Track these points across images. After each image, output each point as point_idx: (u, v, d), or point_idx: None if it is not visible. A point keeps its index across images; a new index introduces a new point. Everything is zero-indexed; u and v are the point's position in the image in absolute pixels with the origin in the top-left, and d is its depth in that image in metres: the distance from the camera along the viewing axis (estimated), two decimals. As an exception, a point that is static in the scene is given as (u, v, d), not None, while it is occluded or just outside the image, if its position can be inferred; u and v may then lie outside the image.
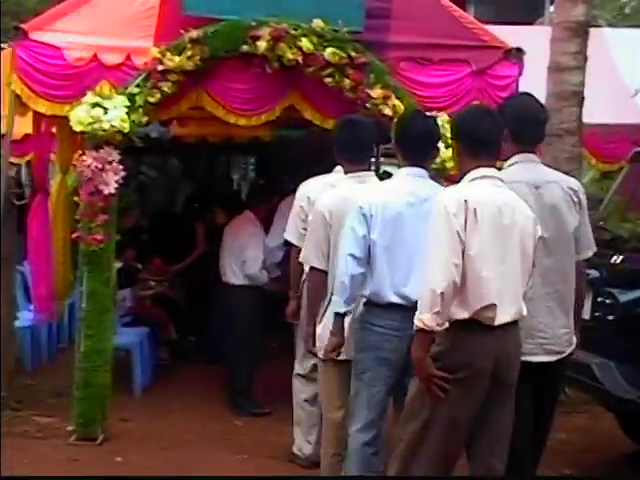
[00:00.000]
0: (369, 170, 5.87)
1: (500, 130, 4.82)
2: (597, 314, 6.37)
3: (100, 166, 6.78)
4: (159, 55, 6.88)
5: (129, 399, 8.31)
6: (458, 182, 4.74)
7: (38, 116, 7.45)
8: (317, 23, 6.93)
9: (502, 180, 4.71)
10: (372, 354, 5.13)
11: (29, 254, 8.11)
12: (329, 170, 6.22)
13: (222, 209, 9.78)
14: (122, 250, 8.06)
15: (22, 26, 7.14)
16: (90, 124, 6.74)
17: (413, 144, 5.24)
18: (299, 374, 6.78)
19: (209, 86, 7.15)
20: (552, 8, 10.24)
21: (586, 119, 7.84)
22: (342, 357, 5.33)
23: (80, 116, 6.77)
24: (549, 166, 5.45)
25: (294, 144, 10.69)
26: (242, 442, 7.30)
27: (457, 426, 4.57)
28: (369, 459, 5.20)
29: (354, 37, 6.99)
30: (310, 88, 7.17)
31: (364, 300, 5.21)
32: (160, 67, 6.87)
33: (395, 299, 5.07)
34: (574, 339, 5.17)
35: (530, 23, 13.75)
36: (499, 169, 5.07)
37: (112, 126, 6.73)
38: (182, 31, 6.91)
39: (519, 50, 7.27)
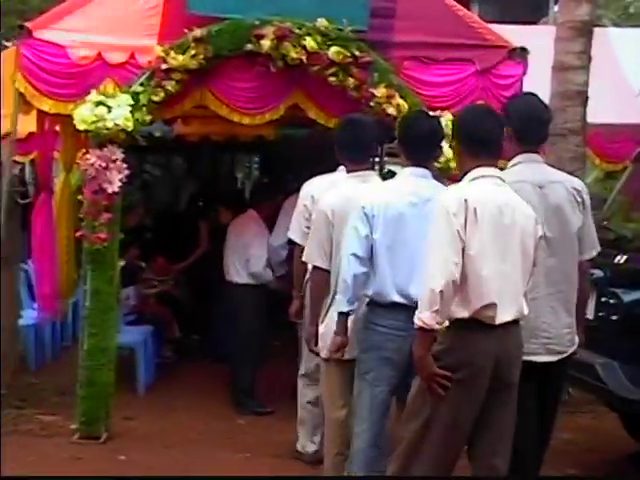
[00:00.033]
0: (371, 169, 5.87)
1: (501, 130, 4.82)
2: (601, 314, 6.37)
3: (104, 165, 6.78)
4: (163, 54, 6.88)
5: (133, 397, 8.31)
6: (459, 181, 4.74)
7: (42, 114, 7.45)
8: (321, 22, 6.93)
9: (503, 179, 4.71)
10: (375, 354, 5.13)
11: (33, 252, 8.12)
12: (333, 169, 6.22)
13: (226, 208, 9.78)
14: (126, 249, 8.06)
15: (26, 24, 7.15)
16: (94, 122, 6.75)
17: (416, 144, 5.24)
18: (303, 374, 6.78)
19: (213, 85, 7.15)
20: (556, 7, 10.21)
21: (590, 119, 7.83)
22: (345, 357, 5.33)
23: (84, 115, 6.77)
24: (552, 166, 5.44)
25: (298, 143, 10.69)
26: (245, 441, 7.29)
27: (458, 425, 4.57)
28: (374, 459, 5.19)
29: (358, 36, 6.99)
30: (314, 87, 7.17)
31: (367, 300, 5.21)
32: (164, 66, 6.87)
33: (398, 299, 5.07)
34: (576, 339, 5.17)
35: (534, 22, 13.75)
36: (502, 169, 5.08)
37: (116, 125, 6.74)
38: (186, 30, 6.91)
39: (523, 49, 7.26)
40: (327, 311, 5.48)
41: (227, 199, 10.51)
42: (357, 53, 6.93)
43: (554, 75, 7.77)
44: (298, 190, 6.54)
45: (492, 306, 4.48)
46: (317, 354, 5.65)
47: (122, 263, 7.58)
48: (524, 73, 7.24)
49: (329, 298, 5.47)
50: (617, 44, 10.50)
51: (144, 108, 6.89)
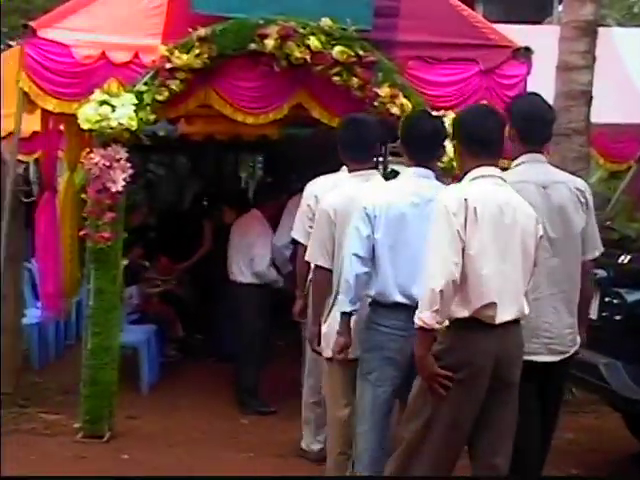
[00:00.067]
0: (374, 169, 5.87)
1: (501, 129, 4.82)
2: (604, 314, 6.36)
3: (108, 164, 6.79)
4: (167, 53, 6.88)
5: (136, 397, 8.32)
6: (460, 181, 4.75)
7: (46, 114, 7.45)
8: (325, 22, 6.93)
9: (504, 179, 4.71)
10: (378, 354, 5.13)
11: (37, 251, 8.12)
12: (337, 169, 6.21)
13: (230, 207, 9.78)
14: (129, 248, 8.07)
15: (30, 24, 7.15)
16: (98, 122, 6.75)
17: (419, 144, 5.23)
18: (307, 374, 6.76)
19: (217, 84, 7.15)
20: (561, 7, 10.22)
21: (594, 118, 7.82)
22: (349, 356, 5.33)
23: (88, 114, 6.77)
24: (556, 166, 5.44)
25: (302, 142, 10.69)
26: (249, 440, 7.30)
27: (458, 425, 4.57)
28: (378, 460, 5.17)
29: (362, 36, 6.99)
30: (318, 86, 7.17)
31: (369, 300, 5.21)
32: (168, 65, 6.87)
33: (400, 299, 5.06)
34: (578, 339, 5.18)
35: (538, 22, 13.72)
36: (506, 169, 5.08)
37: (120, 124, 6.74)
38: (190, 29, 6.91)
39: (527, 49, 7.26)
40: (330, 311, 5.48)
41: (231, 198, 10.51)
42: (361, 53, 6.93)
43: (558, 75, 7.76)
44: (302, 190, 6.54)
45: (492, 305, 4.48)
46: (320, 354, 5.65)
47: (125, 262, 7.58)
48: (528, 73, 7.23)
49: (331, 298, 5.47)
50: (621, 44, 10.48)
51: (148, 107, 6.89)
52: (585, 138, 7.76)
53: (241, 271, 8.37)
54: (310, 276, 5.99)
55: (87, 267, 7.03)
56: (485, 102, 6.91)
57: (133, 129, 6.81)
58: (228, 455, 6.89)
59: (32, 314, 8.93)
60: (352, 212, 5.27)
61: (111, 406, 7.06)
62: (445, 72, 7.25)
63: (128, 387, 8.00)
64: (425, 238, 4.67)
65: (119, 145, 6.83)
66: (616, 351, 6.17)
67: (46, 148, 8.01)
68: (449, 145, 5.77)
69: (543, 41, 7.81)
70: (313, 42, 6.88)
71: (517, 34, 7.75)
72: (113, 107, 6.75)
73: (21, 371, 8.25)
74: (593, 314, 6.23)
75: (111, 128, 6.75)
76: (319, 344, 5.57)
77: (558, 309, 5.03)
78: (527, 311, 4.67)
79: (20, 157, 8.37)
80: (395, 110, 6.91)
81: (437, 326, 4.41)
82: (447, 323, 4.46)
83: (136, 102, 6.82)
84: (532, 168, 5.11)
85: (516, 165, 5.18)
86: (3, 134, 8.46)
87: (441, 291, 4.34)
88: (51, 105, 7.15)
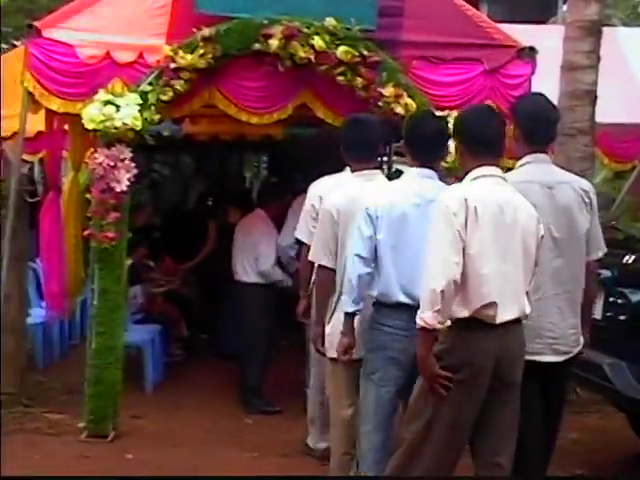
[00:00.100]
0: (377, 168, 5.87)
1: (502, 129, 4.83)
2: (609, 314, 6.35)
3: (112, 164, 6.79)
4: (171, 53, 6.88)
5: (140, 396, 8.33)
6: (461, 181, 4.75)
7: (50, 114, 7.46)
8: (329, 21, 6.93)
9: (504, 179, 4.72)
10: (381, 354, 5.14)
11: (41, 251, 8.14)
12: (341, 169, 6.21)
13: (234, 207, 9.79)
14: (134, 248, 8.07)
15: (35, 24, 7.15)
16: (102, 122, 6.76)
17: (422, 144, 5.24)
18: (313, 375, 6.77)
19: (221, 84, 7.15)
20: (565, 7, 10.20)
21: (599, 118, 7.81)
22: (353, 357, 5.33)
23: (92, 114, 6.78)
24: (561, 166, 5.44)
25: (306, 142, 10.69)
26: (253, 440, 7.29)
27: (459, 425, 4.59)
28: (382, 459, 5.17)
29: (366, 35, 6.99)
30: (322, 86, 7.17)
31: (373, 300, 5.21)
32: (172, 65, 6.87)
33: (403, 299, 5.07)
34: (581, 339, 5.18)
35: (543, 22, 13.71)
36: (510, 169, 5.08)
37: (124, 124, 6.75)
38: (194, 29, 6.91)
39: (532, 49, 7.25)
40: (333, 312, 5.49)
41: (235, 198, 10.53)
42: (365, 52, 6.93)
43: (563, 75, 7.76)
44: (306, 190, 6.54)
45: (492, 305, 4.49)
46: (323, 354, 5.65)
47: (129, 262, 7.58)
48: (533, 73, 7.23)
49: (335, 298, 5.47)
50: (626, 43, 10.46)
51: (152, 107, 6.90)
52: (590, 138, 7.76)
53: (245, 271, 8.38)
54: (314, 276, 6.00)
55: (91, 267, 7.03)
56: (489, 102, 6.94)
57: (137, 129, 6.81)
58: (232, 455, 6.88)
59: (36, 314, 8.94)
60: (355, 212, 5.27)
61: (115, 406, 7.07)
62: (449, 72, 7.25)
63: (132, 387, 8.00)
64: (427, 238, 4.67)
65: (123, 145, 6.84)
66: (620, 351, 6.16)
67: (50, 148, 8.03)
68: (453, 145, 5.77)
69: (547, 41, 7.81)
70: (317, 42, 6.88)
71: (521, 34, 7.75)
72: (117, 107, 6.76)
73: (25, 371, 8.25)
74: (597, 314, 6.24)
75: (115, 128, 6.76)
76: (323, 344, 5.57)
77: (562, 309, 5.03)
78: (528, 311, 4.67)
79: (25, 157, 8.38)
80: (399, 110, 6.91)
81: (439, 326, 4.42)
82: (449, 323, 4.46)
83: (140, 102, 6.82)
84: (537, 168, 5.11)
85: (521, 165, 5.18)
86: (8, 134, 8.47)
87: (442, 291, 4.35)
88: (55, 105, 7.15)
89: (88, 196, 6.99)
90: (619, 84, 9.35)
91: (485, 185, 4.62)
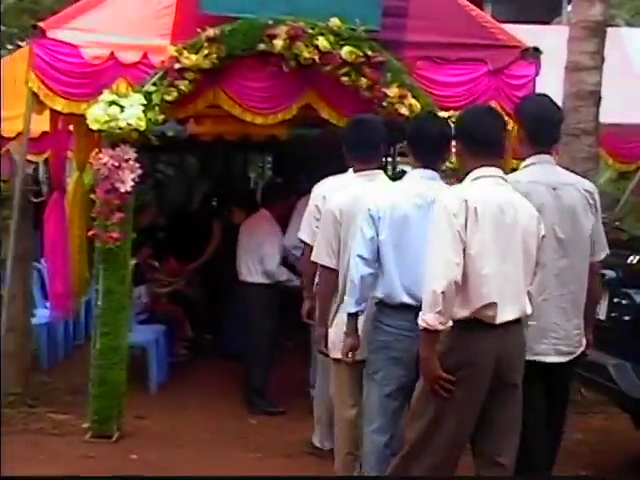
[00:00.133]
0: (380, 169, 5.87)
1: (502, 130, 4.84)
2: (613, 315, 6.35)
3: (116, 164, 6.79)
4: (176, 53, 6.89)
5: (145, 396, 8.32)
6: (461, 181, 4.76)
7: (55, 114, 7.46)
8: (334, 22, 6.93)
9: (505, 179, 4.72)
10: (384, 354, 5.14)
11: (46, 251, 8.14)
12: (345, 169, 6.21)
13: (239, 207, 9.79)
14: (138, 248, 8.07)
15: (40, 24, 7.16)
16: (107, 122, 6.76)
17: (425, 146, 5.24)
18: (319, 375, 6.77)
19: (226, 84, 7.15)
20: (570, 7, 10.20)
21: (603, 119, 7.82)
22: (357, 358, 5.33)
23: (97, 114, 6.78)
24: (565, 167, 5.45)
25: (310, 143, 10.69)
26: (257, 440, 7.29)
27: (461, 425, 4.60)
28: (386, 459, 5.17)
29: (371, 36, 6.98)
30: (327, 87, 7.17)
31: (376, 300, 5.21)
32: (177, 65, 6.87)
33: (407, 299, 5.07)
34: (584, 340, 5.18)
35: (547, 22, 13.72)
36: (515, 169, 5.08)
37: (128, 124, 6.75)
38: (199, 29, 6.91)
39: (536, 49, 7.24)
40: (336, 312, 5.49)
41: (240, 199, 10.53)
42: (370, 53, 6.93)
43: (567, 75, 7.76)
44: (311, 191, 6.54)
45: (492, 306, 4.49)
46: (327, 355, 5.65)
47: (134, 262, 7.58)
48: (537, 73, 7.21)
49: (337, 299, 5.48)
50: (630, 44, 10.48)
51: (157, 108, 6.90)
52: (594, 138, 7.76)
53: (250, 271, 8.38)
54: (317, 277, 6.00)
55: (96, 267, 7.04)
56: (494, 103, 6.95)
57: (142, 129, 6.81)
58: (236, 455, 6.88)
59: (41, 314, 8.95)
60: (357, 212, 5.29)
61: (120, 406, 7.07)
62: (454, 72, 7.24)
63: (137, 387, 8.01)
64: (428, 239, 4.68)
65: (128, 145, 6.84)
66: (625, 352, 6.16)
67: (55, 148, 8.02)
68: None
69: (552, 41, 7.81)
70: (322, 42, 6.88)
71: (526, 34, 7.74)
72: (122, 107, 6.76)
73: (30, 371, 8.25)
74: (602, 315, 6.25)
75: (120, 128, 6.76)
76: (326, 345, 5.57)
77: (566, 310, 5.04)
78: (529, 311, 4.68)
79: (29, 157, 8.40)
80: (404, 110, 6.90)
81: (440, 327, 4.42)
82: (451, 324, 4.46)
83: (145, 102, 6.82)
84: (542, 169, 5.12)
85: (525, 166, 5.18)
86: (13, 134, 8.50)
87: (443, 292, 4.36)
88: (60, 105, 7.15)
89: (93, 196, 7.00)
90: (623, 85, 9.35)
91: (485, 186, 4.62)
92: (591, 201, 5.11)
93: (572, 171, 5.47)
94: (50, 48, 7.08)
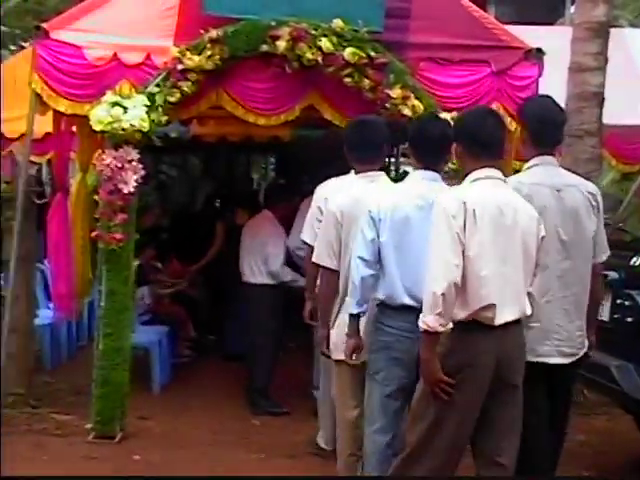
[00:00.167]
0: (382, 170, 5.87)
1: (502, 131, 4.84)
2: (616, 316, 6.35)
3: (119, 165, 6.80)
4: (179, 55, 6.89)
5: (148, 397, 8.33)
6: (461, 182, 4.76)
7: (58, 115, 7.47)
8: (337, 23, 6.93)
9: (504, 180, 4.73)
10: (385, 354, 5.14)
11: (49, 252, 8.15)
12: (348, 170, 6.21)
13: (242, 208, 9.80)
14: (141, 249, 8.08)
15: (43, 25, 7.16)
16: (110, 123, 6.76)
17: (427, 147, 5.24)
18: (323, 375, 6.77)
19: (229, 86, 7.15)
20: (573, 8, 10.20)
21: (606, 120, 7.81)
22: (360, 359, 5.33)
23: (100, 115, 6.79)
24: (568, 168, 5.45)
25: (313, 144, 10.69)
26: (260, 441, 7.29)
27: (462, 427, 4.61)
28: (387, 459, 5.17)
29: (374, 37, 6.98)
30: (329, 88, 7.17)
31: (377, 302, 5.21)
32: (180, 66, 6.88)
33: (408, 301, 5.07)
34: (587, 342, 5.18)
35: (551, 23, 13.70)
36: (518, 170, 5.08)
37: (132, 125, 6.75)
38: (202, 31, 6.91)
39: (539, 50, 7.24)
40: (338, 313, 5.49)
41: (243, 200, 10.54)
42: (373, 54, 6.93)
43: (570, 76, 7.75)
44: (314, 192, 6.54)
45: (491, 307, 4.50)
46: (328, 357, 5.65)
47: (137, 263, 7.59)
48: (540, 74, 7.21)
49: (338, 300, 5.48)
50: (634, 45, 10.46)
51: (160, 109, 6.90)
52: (597, 139, 7.75)
53: (252, 272, 8.38)
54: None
55: (99, 268, 7.04)
56: (497, 104, 6.96)
57: (145, 130, 6.82)
58: (239, 456, 6.89)
59: (44, 315, 8.96)
60: (358, 214, 5.30)
61: (123, 407, 7.07)
62: (457, 73, 7.24)
63: (140, 388, 8.01)
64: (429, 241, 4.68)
65: (131, 146, 6.84)
66: (628, 353, 6.15)
67: (58, 149, 8.04)
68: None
69: (555, 42, 7.79)
70: (325, 43, 6.88)
71: (529, 35, 7.73)
72: (125, 108, 6.76)
73: (33, 372, 8.26)
74: (605, 316, 6.25)
75: (123, 129, 6.76)
76: (328, 347, 5.57)
77: (569, 311, 5.04)
78: (529, 312, 4.69)
79: (33, 158, 8.40)
80: (407, 112, 6.90)
81: (441, 329, 4.43)
82: (451, 326, 4.46)
83: (148, 103, 6.82)
84: (545, 171, 5.12)
85: (528, 167, 5.18)
86: (16, 135, 8.50)
87: (443, 294, 4.36)
88: (63, 106, 7.16)
89: (96, 197, 7.00)
90: (627, 85, 9.34)
91: (484, 187, 4.63)
92: (594, 203, 5.11)
93: (575, 172, 5.47)
94: (53, 49, 7.08)
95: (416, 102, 6.93)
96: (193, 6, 7.06)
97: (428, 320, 4.41)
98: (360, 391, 5.40)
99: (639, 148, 10.42)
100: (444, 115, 6.19)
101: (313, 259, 5.79)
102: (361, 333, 5.23)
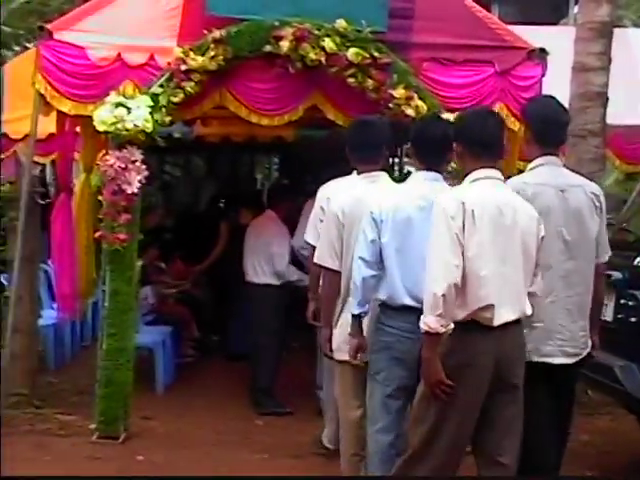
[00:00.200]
0: (383, 170, 5.86)
1: (502, 131, 4.84)
2: (620, 316, 6.34)
3: (123, 165, 6.80)
4: (182, 55, 6.89)
5: (151, 397, 8.34)
6: (460, 183, 4.77)
7: (62, 115, 7.48)
8: (340, 23, 6.93)
9: (504, 180, 4.73)
10: (386, 354, 5.14)
11: (53, 253, 8.15)
12: (351, 171, 6.21)
13: (246, 208, 9.80)
14: (145, 249, 8.08)
15: (47, 26, 7.17)
16: (113, 124, 6.77)
17: (429, 148, 5.24)
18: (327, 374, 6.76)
19: (232, 86, 7.16)
20: (576, 8, 10.20)
21: (610, 120, 7.81)
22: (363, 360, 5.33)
23: (103, 116, 6.79)
24: (571, 168, 5.45)
25: (317, 144, 10.69)
26: (263, 441, 7.29)
27: (463, 427, 4.61)
28: (390, 459, 5.17)
29: (377, 37, 6.98)
30: (333, 88, 7.17)
31: (378, 302, 5.21)
32: (183, 67, 6.88)
33: (409, 301, 5.06)
34: (590, 342, 5.18)
35: (554, 23, 13.71)
36: (522, 170, 5.08)
37: (135, 126, 6.75)
38: (205, 31, 6.92)
39: (543, 50, 7.23)
40: (340, 314, 5.49)
41: (247, 200, 10.54)
42: (376, 54, 6.93)
43: (574, 76, 7.76)
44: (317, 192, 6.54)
45: (490, 307, 4.50)
46: (331, 358, 5.65)
47: (141, 263, 7.59)
48: (543, 74, 7.20)
49: (340, 300, 5.48)
50: (637, 45, 10.46)
51: (163, 109, 6.90)
52: (601, 139, 7.76)
53: (256, 272, 8.39)
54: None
55: (103, 268, 7.05)
56: (500, 104, 6.96)
57: (148, 131, 6.82)
58: (243, 456, 6.89)
59: (48, 315, 8.96)
60: (360, 214, 5.29)
61: (126, 407, 7.08)
62: (460, 74, 7.24)
63: (143, 388, 8.02)
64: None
65: (134, 147, 6.85)
66: (632, 353, 6.14)
67: (62, 150, 8.03)
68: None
69: (559, 42, 7.79)
70: (328, 44, 6.88)
71: (532, 35, 7.73)
72: (128, 109, 6.77)
73: (37, 372, 8.26)
74: (609, 316, 6.24)
75: (126, 130, 6.77)
76: (330, 348, 5.57)
77: (572, 311, 5.04)
78: (529, 312, 4.69)
79: (36, 159, 8.40)
80: (410, 112, 6.90)
81: (442, 330, 4.43)
82: (452, 326, 4.46)
83: (151, 104, 6.83)
84: (549, 171, 5.12)
85: (532, 167, 5.18)
86: (20, 136, 8.50)
87: (443, 295, 4.37)
88: (67, 107, 7.17)
89: (99, 198, 7.02)
90: (630, 86, 9.34)
91: (484, 187, 4.63)
92: (597, 203, 5.11)
93: (579, 172, 5.47)
94: (57, 50, 7.09)
95: (419, 102, 6.93)
96: (196, 7, 7.07)
97: (429, 321, 4.41)
98: (363, 391, 5.39)
99: (643, 148, 10.41)
100: (447, 115, 6.19)
101: (315, 260, 5.78)
102: (364, 333, 5.23)
